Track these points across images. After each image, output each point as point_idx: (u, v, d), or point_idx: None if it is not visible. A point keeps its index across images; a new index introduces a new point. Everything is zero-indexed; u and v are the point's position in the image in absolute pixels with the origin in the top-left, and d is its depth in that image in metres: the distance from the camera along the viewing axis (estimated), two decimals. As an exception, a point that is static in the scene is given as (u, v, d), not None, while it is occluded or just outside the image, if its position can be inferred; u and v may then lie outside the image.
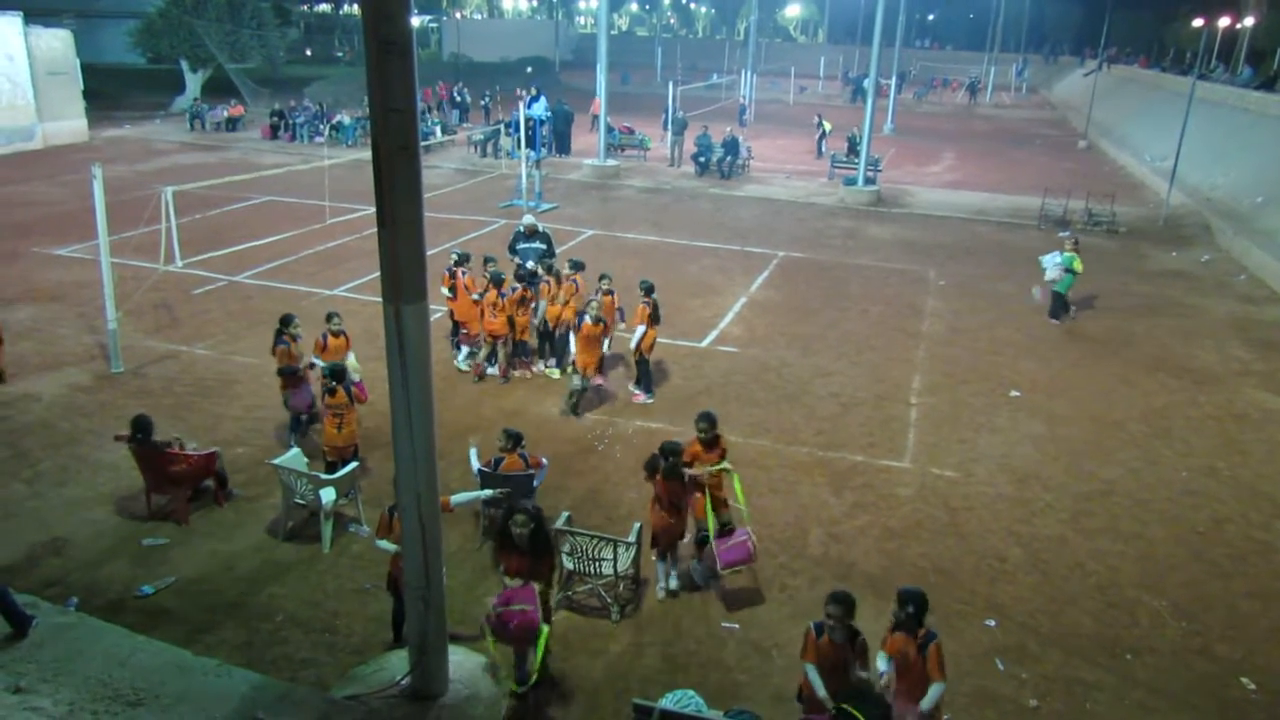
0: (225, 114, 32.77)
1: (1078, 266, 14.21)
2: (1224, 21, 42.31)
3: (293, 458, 8.28)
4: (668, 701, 5.53)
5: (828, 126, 31.99)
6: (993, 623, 7.31)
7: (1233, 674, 6.86)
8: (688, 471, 7.34)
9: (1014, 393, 11.82)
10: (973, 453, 10.19)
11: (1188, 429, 11.02)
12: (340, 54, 69.28)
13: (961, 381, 12.16)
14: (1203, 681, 6.78)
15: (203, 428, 9.89)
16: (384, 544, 6.57)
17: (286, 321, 9.81)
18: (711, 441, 7.54)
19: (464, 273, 11.61)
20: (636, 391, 11.17)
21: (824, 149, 30.96)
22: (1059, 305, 14.62)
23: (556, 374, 11.70)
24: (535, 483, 8.03)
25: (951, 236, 20.57)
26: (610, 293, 11.05)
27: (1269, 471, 9.99)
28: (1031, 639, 7.15)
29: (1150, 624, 7.40)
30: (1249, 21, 45.60)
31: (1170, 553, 8.42)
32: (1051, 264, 14.50)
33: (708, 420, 7.56)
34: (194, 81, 37.53)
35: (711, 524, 7.35)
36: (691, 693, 5.76)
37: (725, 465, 7.54)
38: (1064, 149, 36.53)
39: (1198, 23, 43.68)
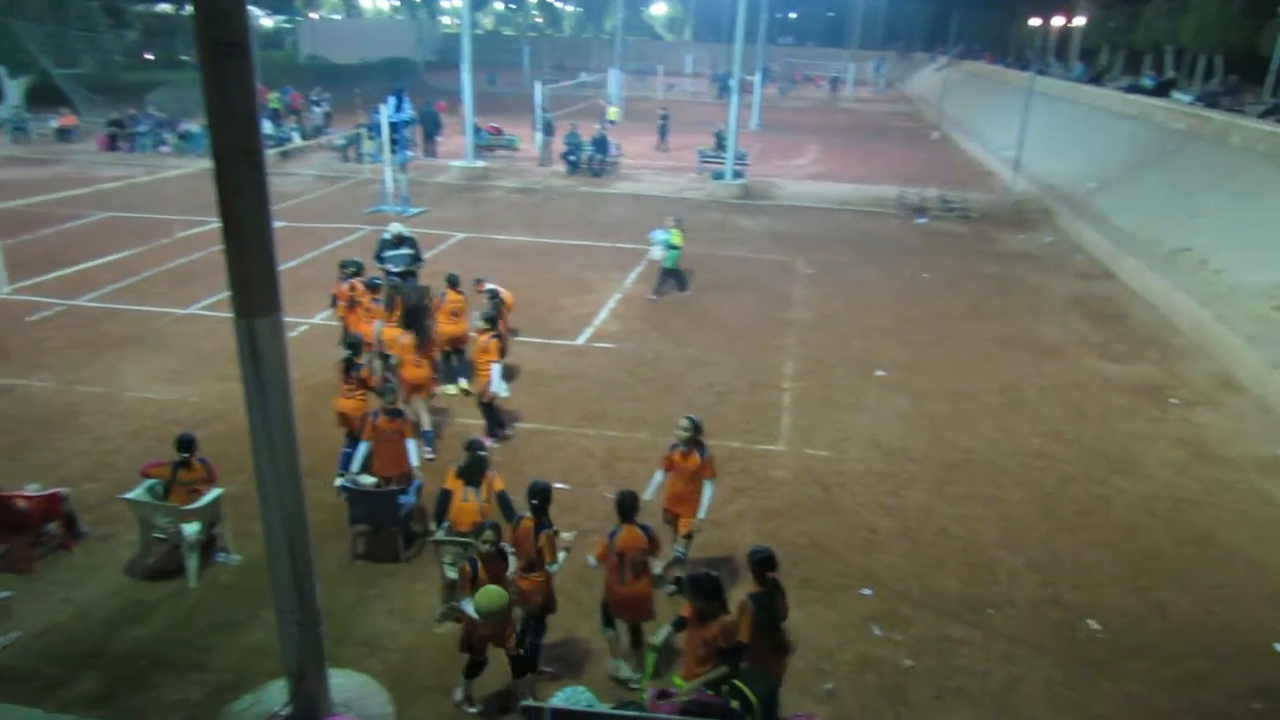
0: (55, 125, 30.37)
1: (676, 240, 14.89)
2: (1058, 20, 45.46)
3: (146, 490, 7.78)
4: (558, 700, 5.51)
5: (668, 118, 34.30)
6: (868, 591, 7.65)
7: (1080, 617, 7.42)
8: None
9: (879, 372, 12.38)
10: (844, 432, 10.61)
11: (1037, 398, 11.81)
12: (185, 57, 65.41)
13: (831, 365, 12.64)
14: (1056, 628, 7.31)
15: (47, 466, 9.13)
16: (468, 604, 5.76)
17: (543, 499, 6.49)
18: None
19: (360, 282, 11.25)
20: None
21: (665, 138, 32.64)
22: (667, 280, 15.15)
23: (452, 390, 11.17)
24: (403, 499, 7.80)
25: (817, 226, 21.32)
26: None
27: (1105, 432, 10.85)
28: (904, 604, 7.52)
29: (1009, 580, 7.91)
30: (1080, 20, 49.10)
31: (1025, 513, 9.02)
32: (658, 240, 15.06)
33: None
34: (15, 89, 34.51)
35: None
36: (582, 689, 5.75)
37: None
38: (919, 140, 38.46)
39: (1035, 21, 46.69)
